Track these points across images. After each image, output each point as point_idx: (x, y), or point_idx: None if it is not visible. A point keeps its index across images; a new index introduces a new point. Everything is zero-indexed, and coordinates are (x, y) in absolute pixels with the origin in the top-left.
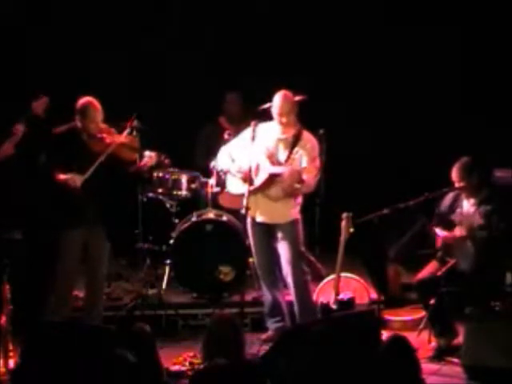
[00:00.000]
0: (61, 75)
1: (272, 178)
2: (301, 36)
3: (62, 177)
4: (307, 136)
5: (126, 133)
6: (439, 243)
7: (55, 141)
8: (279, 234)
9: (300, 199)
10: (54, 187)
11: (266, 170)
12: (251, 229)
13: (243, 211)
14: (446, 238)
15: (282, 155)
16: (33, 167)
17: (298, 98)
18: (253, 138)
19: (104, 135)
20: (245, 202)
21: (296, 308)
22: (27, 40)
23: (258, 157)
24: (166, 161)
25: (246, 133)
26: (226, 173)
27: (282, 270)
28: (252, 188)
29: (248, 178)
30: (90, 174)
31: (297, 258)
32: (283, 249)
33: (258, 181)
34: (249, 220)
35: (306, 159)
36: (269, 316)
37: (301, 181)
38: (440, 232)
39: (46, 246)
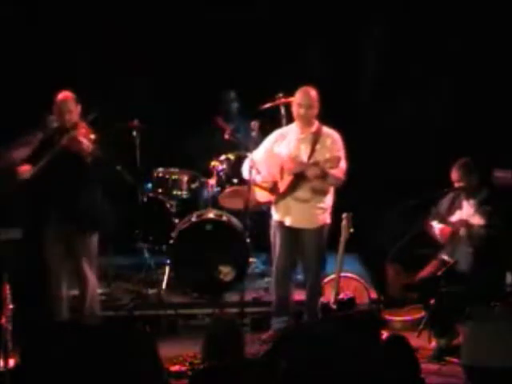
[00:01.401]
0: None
1: (297, 179)
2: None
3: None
4: (327, 131)
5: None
6: (438, 236)
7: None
8: (306, 239)
9: (331, 201)
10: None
11: (289, 171)
12: (277, 230)
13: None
14: (444, 230)
15: (305, 155)
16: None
17: (293, 99)
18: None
19: (75, 131)
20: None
21: (305, 308)
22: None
23: (281, 159)
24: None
25: (266, 141)
26: (253, 183)
27: (302, 271)
28: (280, 192)
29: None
30: (38, 168)
31: (318, 265)
32: (307, 254)
33: (284, 184)
34: (275, 222)
35: (329, 154)
36: (274, 315)
37: (325, 173)
38: (436, 225)
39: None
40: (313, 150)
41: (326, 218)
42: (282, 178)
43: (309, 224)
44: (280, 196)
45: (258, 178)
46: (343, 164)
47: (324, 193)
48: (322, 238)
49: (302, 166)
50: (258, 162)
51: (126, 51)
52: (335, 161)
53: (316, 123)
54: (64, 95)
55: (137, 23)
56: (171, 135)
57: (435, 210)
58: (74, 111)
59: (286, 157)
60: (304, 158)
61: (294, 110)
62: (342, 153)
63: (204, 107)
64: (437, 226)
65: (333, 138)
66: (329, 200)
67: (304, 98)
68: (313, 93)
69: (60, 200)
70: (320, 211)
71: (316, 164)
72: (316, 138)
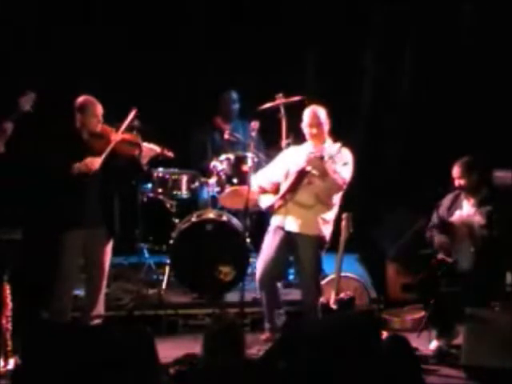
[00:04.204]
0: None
1: (299, 179)
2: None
3: (77, 165)
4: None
5: (123, 127)
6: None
7: (55, 142)
8: (301, 245)
9: (333, 215)
10: (54, 187)
11: (292, 172)
12: (273, 233)
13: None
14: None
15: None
16: (25, 165)
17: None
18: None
19: (105, 132)
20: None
21: (304, 309)
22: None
23: (287, 169)
24: (169, 154)
25: (279, 156)
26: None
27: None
28: (282, 193)
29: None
30: (105, 156)
31: (312, 272)
32: (301, 260)
33: (286, 184)
34: (273, 227)
35: (334, 167)
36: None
37: (323, 172)
38: (438, 236)
39: (46, 245)
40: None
41: (325, 231)
42: (285, 179)
43: (306, 229)
44: (282, 199)
45: (264, 182)
46: (348, 174)
47: (327, 204)
48: (317, 248)
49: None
50: (267, 173)
51: (126, 49)
52: (338, 180)
53: (329, 141)
54: (91, 99)
55: (137, 23)
56: (171, 135)
57: (435, 217)
58: (100, 113)
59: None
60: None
61: (306, 131)
62: (349, 170)
63: (203, 107)
64: (437, 237)
65: (344, 157)
66: (331, 214)
67: (313, 118)
68: (321, 111)
69: (97, 201)
70: (320, 221)
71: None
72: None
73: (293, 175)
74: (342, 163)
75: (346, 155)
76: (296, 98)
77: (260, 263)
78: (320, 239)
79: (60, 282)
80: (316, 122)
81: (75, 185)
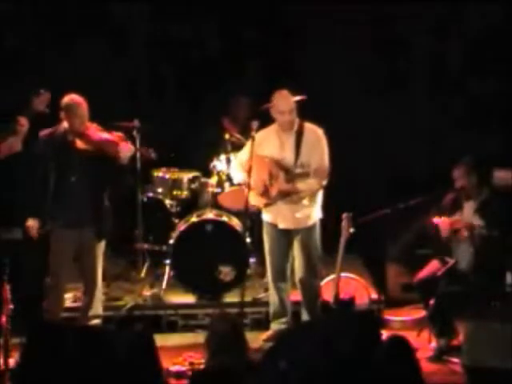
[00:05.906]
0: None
1: (285, 191)
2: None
3: None
4: (310, 128)
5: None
6: (442, 231)
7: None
8: (300, 239)
9: (320, 196)
10: (46, 187)
11: (277, 177)
12: (270, 232)
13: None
14: (445, 224)
15: (290, 157)
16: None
17: (298, 98)
18: (253, 139)
19: (90, 133)
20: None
21: (303, 310)
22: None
23: (268, 164)
24: (152, 155)
25: (251, 145)
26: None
27: (296, 272)
28: (269, 200)
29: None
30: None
31: (314, 264)
32: (302, 254)
33: (273, 192)
34: (267, 224)
35: (314, 155)
36: (274, 316)
37: (296, 191)
38: (438, 220)
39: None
40: (298, 152)
41: (318, 214)
42: (271, 182)
43: (302, 224)
44: (271, 201)
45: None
46: (326, 163)
47: (314, 193)
48: (317, 235)
49: (281, 186)
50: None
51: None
52: (321, 171)
53: (297, 121)
54: (76, 100)
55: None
56: (171, 134)
57: (436, 208)
58: (85, 114)
59: (273, 161)
60: (289, 160)
61: (278, 117)
62: (325, 150)
63: (206, 107)
64: (438, 221)
65: (315, 135)
66: (318, 196)
67: (286, 103)
68: (290, 96)
69: (86, 202)
70: (311, 209)
71: (302, 175)
72: (300, 138)
73: (278, 185)
74: (318, 152)
75: (322, 138)
76: (297, 98)
77: (269, 266)
78: (315, 225)
79: (51, 281)
80: (289, 108)
81: (62, 184)
